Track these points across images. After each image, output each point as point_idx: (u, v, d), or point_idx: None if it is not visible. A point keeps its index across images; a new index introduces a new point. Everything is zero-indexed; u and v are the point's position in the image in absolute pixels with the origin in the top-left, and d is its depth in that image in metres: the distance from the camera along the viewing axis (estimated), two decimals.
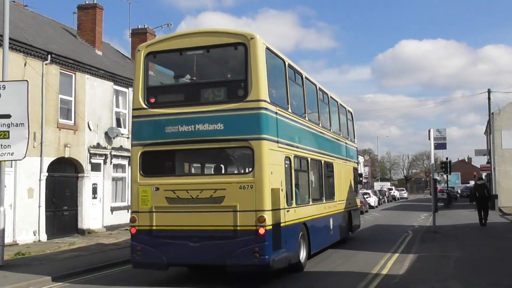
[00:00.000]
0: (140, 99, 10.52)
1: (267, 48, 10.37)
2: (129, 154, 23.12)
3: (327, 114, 15.61)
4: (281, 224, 10.16)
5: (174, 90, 11.09)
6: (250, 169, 9.80)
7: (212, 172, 11.51)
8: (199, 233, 9.78)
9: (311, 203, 12.73)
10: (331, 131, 15.75)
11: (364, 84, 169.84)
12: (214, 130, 9.94)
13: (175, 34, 11.42)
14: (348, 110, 19.00)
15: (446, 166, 38.67)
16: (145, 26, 28.29)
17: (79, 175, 20.50)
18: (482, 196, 23.34)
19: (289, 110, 11.36)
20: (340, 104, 17.54)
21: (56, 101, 19.08)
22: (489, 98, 37.90)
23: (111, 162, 22.14)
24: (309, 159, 12.79)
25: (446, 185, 53.63)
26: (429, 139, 20.87)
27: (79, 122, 20.29)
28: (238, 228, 9.57)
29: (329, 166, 15.00)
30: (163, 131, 10.26)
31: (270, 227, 9.61)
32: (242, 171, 10.44)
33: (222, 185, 9.83)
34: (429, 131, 20.96)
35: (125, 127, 23.34)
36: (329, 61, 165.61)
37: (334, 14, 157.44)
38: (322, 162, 14.20)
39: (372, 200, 43.03)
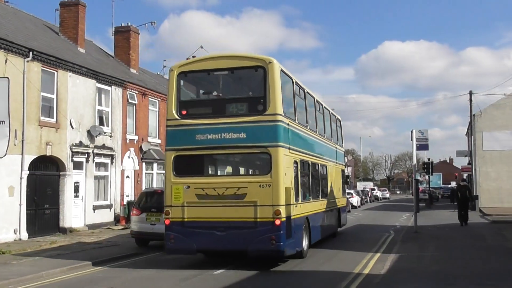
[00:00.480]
0: (173, 111, 12.58)
1: (281, 70, 12.54)
2: (112, 153, 23.11)
3: (322, 122, 17.57)
4: (291, 217, 12.30)
5: (203, 104, 13.19)
6: (268, 171, 11.92)
7: (236, 173, 13.77)
8: (225, 224, 11.86)
9: (311, 200, 14.95)
10: (325, 137, 17.82)
11: (348, 85, 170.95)
12: (238, 138, 12.08)
13: (204, 57, 13.94)
14: (337, 118, 21.29)
15: (428, 167, 38.98)
16: (129, 24, 28.17)
17: (61, 173, 20.34)
18: (464, 197, 24.06)
19: (296, 121, 13.52)
20: (331, 113, 19.62)
21: (38, 99, 18.90)
22: (470, 100, 38.39)
23: (93, 161, 22.01)
24: (310, 162, 15.02)
25: (428, 186, 54.20)
26: (412, 140, 21.00)
27: (61, 120, 20.13)
28: (258, 219, 11.70)
29: (324, 168, 17.22)
30: (194, 138, 12.34)
31: (284, 219, 11.78)
32: (261, 173, 12.36)
33: (244, 184, 11.97)
34: (411, 132, 21.09)
35: (107, 126, 23.21)
36: (313, 61, 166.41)
37: (318, 14, 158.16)
38: (319, 164, 16.44)
39: (355, 200, 43.35)
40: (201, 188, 12.15)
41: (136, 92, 25.39)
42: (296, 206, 12.83)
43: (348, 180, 27.24)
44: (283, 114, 12.27)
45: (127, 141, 24.60)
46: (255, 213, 11.72)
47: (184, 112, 12.57)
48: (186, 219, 12.12)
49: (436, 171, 75.74)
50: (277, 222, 11.62)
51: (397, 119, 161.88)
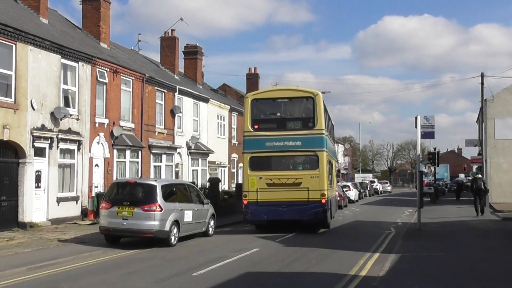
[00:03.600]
0: (249, 126, 20.78)
1: (323, 99, 20.95)
2: (79, 138, 22.94)
3: (332, 131, 26.98)
4: (329, 198, 20.85)
5: (270, 121, 21.35)
6: (317, 167, 20.24)
7: (293, 169, 20.90)
8: (286, 203, 19.90)
9: (331, 187, 22.62)
10: (332, 140, 25.80)
11: (344, 64, 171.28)
12: (295, 145, 20.43)
13: (270, 89, 26.47)
14: (332, 123, 28.55)
15: (433, 157, 39.43)
16: None
17: (20, 160, 20.14)
18: (479, 188, 27.87)
19: (328, 134, 22.30)
20: (330, 117, 26.14)
21: None
22: (482, 83, 38.49)
23: (57, 147, 21.82)
24: (330, 160, 23.13)
25: (433, 178, 54.63)
26: (416, 127, 21.15)
27: (21, 100, 19.89)
28: (310, 199, 19.89)
29: (331, 164, 23.98)
30: (264, 145, 20.52)
31: (326, 198, 20.17)
32: (311, 168, 20.38)
33: (300, 176, 20.19)
34: (416, 118, 21.24)
35: (74, 107, 22.99)
36: (305, 37, 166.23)
37: None
38: (332, 162, 24.93)
39: (352, 193, 43.60)
40: (269, 179, 20.18)
41: (106, 69, 25.16)
42: (329, 190, 20.98)
43: (338, 173, 40.17)
44: (325, 129, 20.81)
45: (96, 125, 24.42)
46: (308, 195, 19.87)
47: (256, 127, 20.76)
48: (259, 200, 20.08)
49: (443, 162, 76.36)
50: (323, 201, 19.94)
51: (400, 104, 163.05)
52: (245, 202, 20.29)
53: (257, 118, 20.97)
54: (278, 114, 21.60)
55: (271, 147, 20.46)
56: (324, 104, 21.22)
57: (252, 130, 20.67)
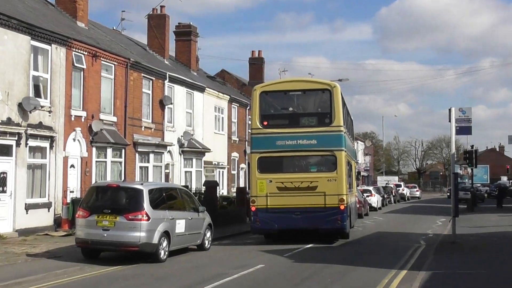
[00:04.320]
0: (257, 122, 21.41)
1: (341, 92, 21.42)
2: (51, 134, 22.98)
3: (350, 124, 26.84)
4: (348, 203, 21.53)
5: (281, 117, 22.34)
6: (334, 169, 20.88)
7: (308, 170, 21.57)
8: (300, 209, 20.54)
9: (350, 191, 23.27)
10: (351, 137, 26.30)
11: (364, 47, 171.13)
12: (310, 144, 20.98)
13: (281, 80, 27.08)
14: (351, 119, 29.28)
15: (470, 157, 39.37)
16: None
17: None
18: None
19: (345, 129, 22.23)
20: (349, 111, 26.87)
21: None
22: None
23: (26, 144, 21.82)
24: (349, 160, 24.06)
25: (470, 182, 54.49)
26: (450, 121, 21.13)
27: None
28: (327, 205, 20.46)
29: (350, 165, 24.85)
30: (274, 143, 21.16)
31: (346, 204, 20.80)
32: (328, 170, 21.04)
33: (316, 179, 20.82)
34: (449, 110, 21.22)
35: (46, 98, 22.97)
36: (318, 15, 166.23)
37: None
38: (351, 163, 25.84)
39: (374, 199, 43.65)
40: (281, 182, 20.83)
41: (84, 53, 25.13)
42: (348, 195, 21.63)
43: (359, 176, 40.18)
44: (344, 126, 21.36)
45: (72, 119, 24.40)
46: (325, 200, 20.48)
47: (265, 123, 21.39)
48: (269, 206, 20.68)
49: (482, 162, 76.14)
50: (342, 207, 20.54)
51: (430, 94, 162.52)
52: (253, 208, 21.10)
53: (266, 113, 21.82)
54: (291, 108, 22.40)
55: (282, 146, 21.17)
56: (342, 97, 21.69)
57: (261, 127, 21.39)
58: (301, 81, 22.98)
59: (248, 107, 41.82)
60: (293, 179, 20.83)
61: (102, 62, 26.53)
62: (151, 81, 30.42)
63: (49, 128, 23.09)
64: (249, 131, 28.57)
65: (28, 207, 21.96)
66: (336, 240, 21.34)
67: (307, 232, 21.06)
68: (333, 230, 20.96)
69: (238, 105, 41.78)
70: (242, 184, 41.05)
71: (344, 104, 22.63)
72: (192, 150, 33.86)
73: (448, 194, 66.03)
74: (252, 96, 21.88)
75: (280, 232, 21.10)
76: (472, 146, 48.61)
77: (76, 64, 24.62)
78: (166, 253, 16.56)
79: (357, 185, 36.00)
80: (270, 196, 20.71)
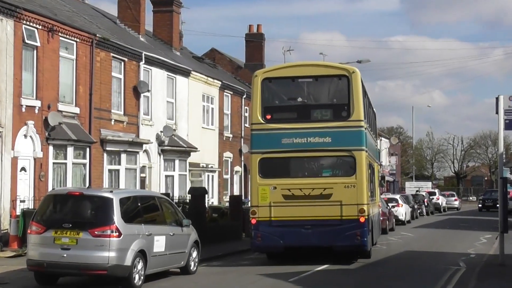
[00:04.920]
0: (258, 115, 21.28)
1: (362, 79, 21.32)
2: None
3: (372, 118, 27.03)
4: (370, 215, 21.61)
5: (288, 109, 22.39)
6: (353, 173, 20.82)
7: (321, 175, 21.93)
8: (311, 222, 20.43)
9: (372, 200, 23.56)
10: (373, 134, 26.45)
11: (389, 20, 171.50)
12: (323, 142, 20.90)
13: (288, 64, 25.88)
14: (374, 111, 29.70)
15: None
16: None
17: None
18: None
19: (367, 124, 22.31)
20: (371, 103, 27.03)
21: None
22: None
23: None
24: (371, 162, 24.27)
25: None
26: (497, 112, 21.10)
27: None
28: (343, 217, 20.34)
29: (372, 168, 25.25)
30: (280, 142, 21.06)
31: (367, 216, 20.66)
32: (346, 174, 21.15)
33: (330, 185, 20.69)
34: (497, 99, 21.16)
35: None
36: None
37: None
38: (373, 165, 26.08)
39: (402, 211, 43.55)
40: (287, 189, 20.75)
41: (38, 26, 25.02)
42: (369, 205, 21.78)
43: (382, 181, 40.83)
44: (364, 120, 21.37)
45: (23, 110, 24.32)
46: (341, 211, 20.39)
47: (268, 117, 21.33)
48: (273, 218, 20.63)
49: None
50: (362, 219, 20.39)
51: (473, 78, 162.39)
52: (253, 221, 21.08)
53: (270, 104, 21.89)
54: (300, 99, 22.52)
55: (289, 145, 21.14)
56: (363, 85, 21.74)
57: (263, 122, 21.38)
58: (312, 66, 22.95)
59: (244, 95, 41.85)
60: (302, 186, 20.78)
61: (61, 38, 26.43)
62: (122, 63, 30.43)
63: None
64: (247, 126, 28.57)
65: None
66: (354, 261, 21.30)
67: (319, 250, 21.17)
68: (351, 248, 20.96)
69: (231, 93, 41.80)
70: (237, 192, 41.08)
71: (365, 93, 22.69)
72: (175, 149, 33.86)
73: (481, 204, 65.94)
74: (252, 84, 21.89)
75: (286, 250, 21.07)
76: None
77: (27, 41, 24.49)
78: (142, 277, 16.50)
79: (381, 193, 36.84)
80: (274, 206, 20.67)
